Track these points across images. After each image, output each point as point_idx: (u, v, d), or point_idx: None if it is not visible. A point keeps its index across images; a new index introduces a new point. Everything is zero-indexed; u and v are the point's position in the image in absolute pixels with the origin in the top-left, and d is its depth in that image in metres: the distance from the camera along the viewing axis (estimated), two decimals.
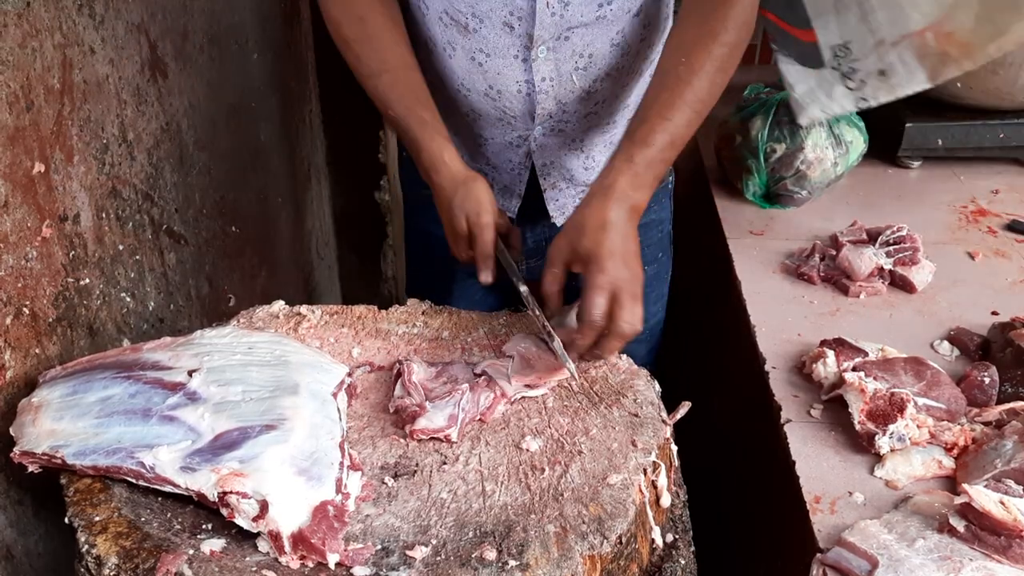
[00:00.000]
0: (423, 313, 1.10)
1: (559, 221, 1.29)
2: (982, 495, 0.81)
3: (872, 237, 1.32)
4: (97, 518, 0.76)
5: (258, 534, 0.74)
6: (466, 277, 1.40)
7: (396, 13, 1.14)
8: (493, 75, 1.13)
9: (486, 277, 1.05)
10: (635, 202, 0.99)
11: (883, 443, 0.94)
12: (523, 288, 1.02)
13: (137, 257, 1.15)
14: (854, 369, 1.04)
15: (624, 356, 1.02)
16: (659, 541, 0.87)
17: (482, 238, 1.04)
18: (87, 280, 1.04)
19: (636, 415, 0.91)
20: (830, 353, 1.07)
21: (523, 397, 0.94)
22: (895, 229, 1.31)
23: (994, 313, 1.22)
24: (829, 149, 1.47)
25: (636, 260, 0.97)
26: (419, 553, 0.74)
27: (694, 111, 1.02)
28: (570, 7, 1.07)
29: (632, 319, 0.93)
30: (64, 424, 0.84)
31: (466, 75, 1.15)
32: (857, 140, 1.51)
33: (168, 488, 0.78)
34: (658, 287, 1.41)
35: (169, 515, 0.78)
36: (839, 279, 1.29)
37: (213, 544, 0.74)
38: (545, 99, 1.15)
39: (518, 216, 1.30)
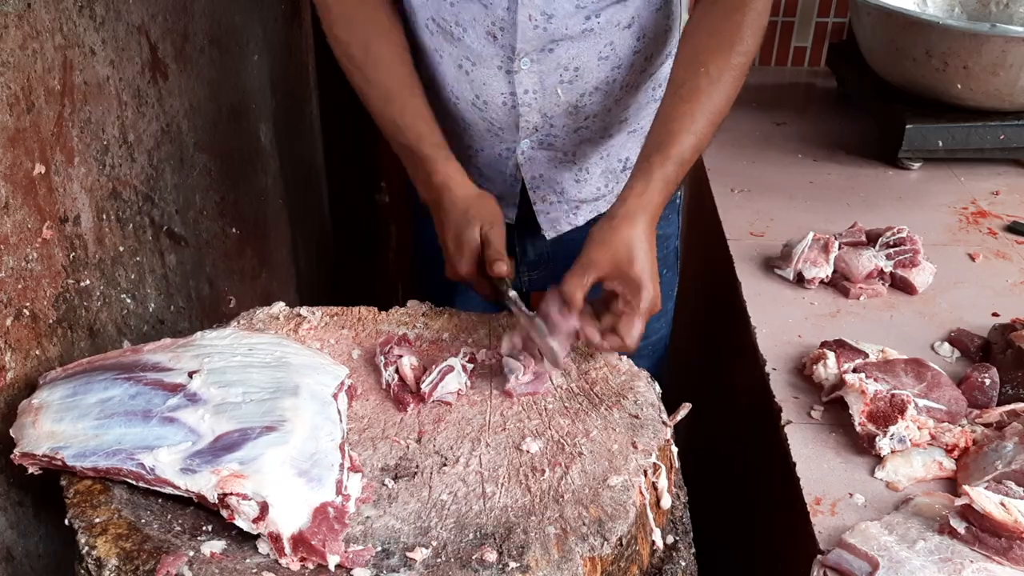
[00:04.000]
0: (423, 315, 1.10)
1: (550, 235, 1.28)
2: (983, 497, 0.81)
3: (872, 239, 1.32)
4: (97, 520, 0.76)
5: (258, 536, 0.74)
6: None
7: (401, 36, 1.12)
8: (479, 85, 1.13)
9: (501, 268, 1.01)
10: (656, 217, 1.01)
11: (884, 444, 0.94)
12: (512, 293, 1.02)
13: (137, 258, 1.15)
14: (855, 371, 1.03)
15: (624, 358, 1.02)
16: (659, 543, 0.87)
17: (496, 242, 1.02)
18: (87, 281, 1.04)
19: (636, 417, 0.91)
20: (830, 355, 1.07)
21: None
22: (895, 231, 1.31)
23: (995, 314, 1.22)
24: None
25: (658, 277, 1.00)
26: (419, 555, 0.74)
27: (712, 123, 1.02)
28: (554, 20, 1.05)
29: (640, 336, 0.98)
30: (64, 426, 0.84)
31: (455, 83, 1.15)
32: None
33: (168, 490, 0.78)
34: (662, 303, 1.41)
35: (169, 517, 0.78)
36: (839, 281, 1.29)
37: (213, 546, 0.74)
38: (528, 111, 1.14)
39: (517, 228, 1.29)
